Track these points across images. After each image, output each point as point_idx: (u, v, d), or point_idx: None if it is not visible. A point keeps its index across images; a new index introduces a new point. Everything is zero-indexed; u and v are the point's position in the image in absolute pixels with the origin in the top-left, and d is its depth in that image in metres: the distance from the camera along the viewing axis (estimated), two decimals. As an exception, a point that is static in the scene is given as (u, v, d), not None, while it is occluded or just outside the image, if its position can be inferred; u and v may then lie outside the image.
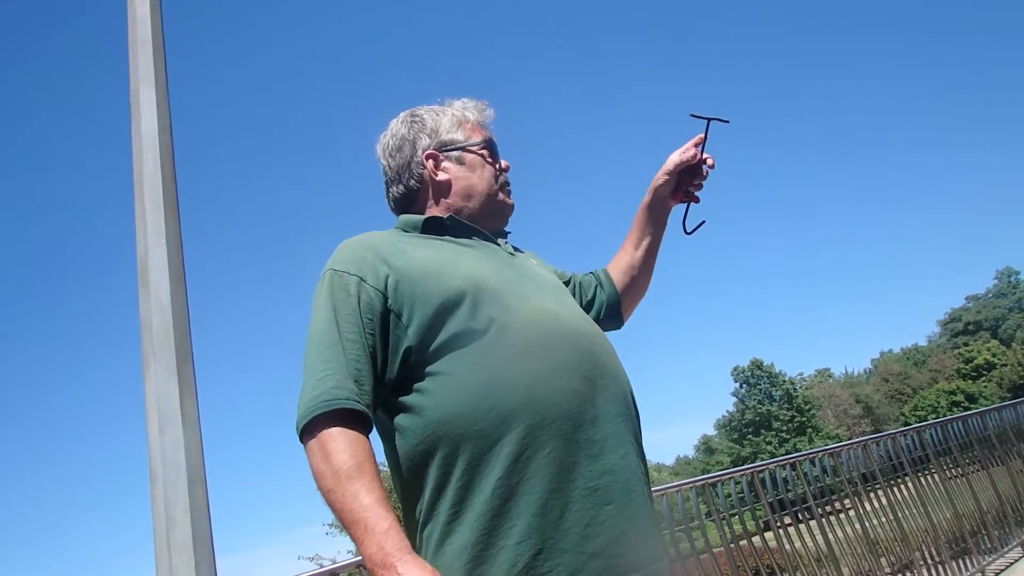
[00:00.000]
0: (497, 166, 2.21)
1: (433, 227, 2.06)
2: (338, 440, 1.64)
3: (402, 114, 2.26)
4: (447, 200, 2.14)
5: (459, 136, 2.19)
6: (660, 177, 2.34)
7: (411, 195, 2.19)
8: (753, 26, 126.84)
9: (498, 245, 2.11)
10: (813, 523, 6.85)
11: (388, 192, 2.24)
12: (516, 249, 2.21)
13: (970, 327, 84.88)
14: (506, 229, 2.23)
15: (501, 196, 2.19)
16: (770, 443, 59.95)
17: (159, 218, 2.43)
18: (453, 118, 2.22)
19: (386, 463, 1.86)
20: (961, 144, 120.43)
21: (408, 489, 1.76)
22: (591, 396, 1.75)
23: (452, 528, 1.65)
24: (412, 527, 1.74)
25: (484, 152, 2.19)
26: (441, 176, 2.15)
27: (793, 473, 7.15)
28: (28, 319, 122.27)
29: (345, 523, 1.58)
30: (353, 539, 1.56)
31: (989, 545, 8.24)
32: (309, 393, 1.70)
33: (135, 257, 2.41)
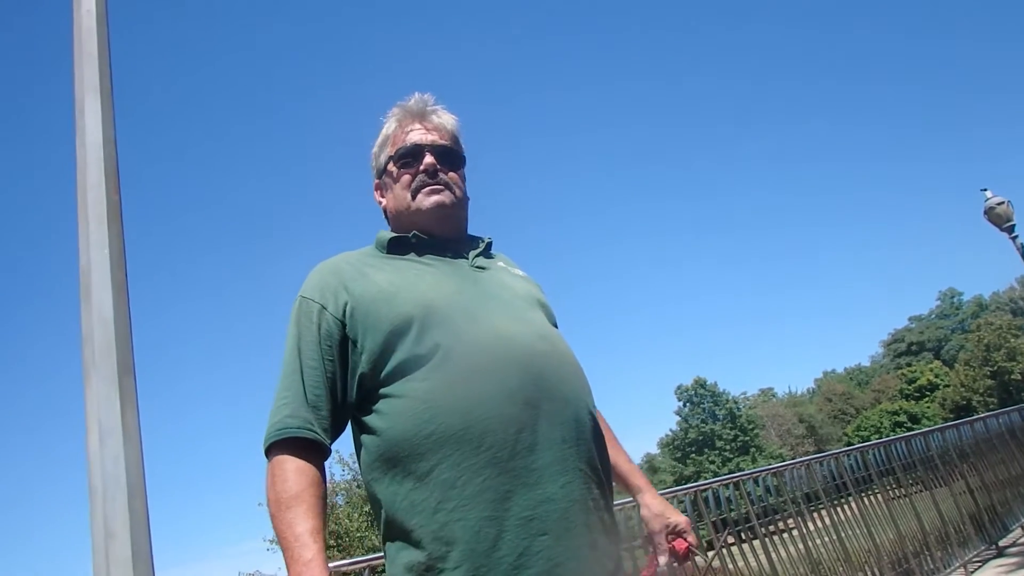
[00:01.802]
0: (413, 171, 2.12)
1: (398, 246, 2.07)
2: (285, 468, 1.74)
3: None
4: (392, 224, 2.19)
5: (383, 157, 2.20)
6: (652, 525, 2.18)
7: (386, 221, 2.25)
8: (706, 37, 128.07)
9: (466, 257, 2.09)
10: (756, 543, 6.88)
11: None
12: (490, 257, 2.18)
13: (913, 348, 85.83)
14: (487, 237, 2.21)
15: (414, 204, 2.10)
16: (713, 462, 60.12)
17: (103, 230, 2.42)
18: (381, 138, 2.23)
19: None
20: (906, 165, 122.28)
21: (373, 501, 1.81)
22: (531, 422, 1.73)
23: (404, 545, 1.70)
24: (380, 536, 1.80)
25: (392, 168, 2.16)
26: (383, 204, 2.22)
27: (736, 492, 7.18)
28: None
29: (281, 548, 1.67)
30: (285, 565, 1.65)
31: (931, 566, 8.33)
32: (270, 421, 1.82)
33: (78, 268, 2.39)
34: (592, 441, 1.86)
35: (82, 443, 2.23)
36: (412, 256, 2.05)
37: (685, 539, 2.13)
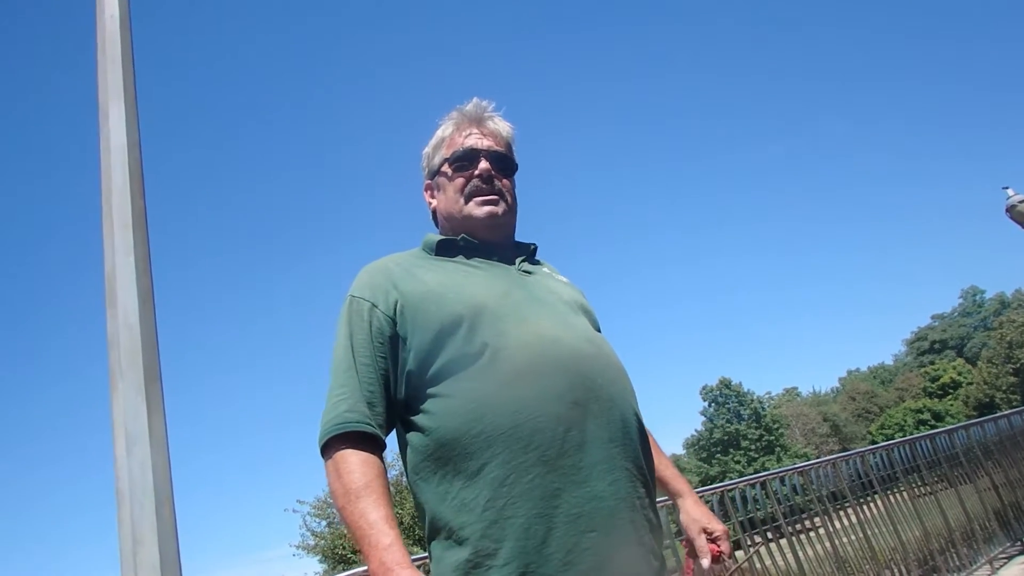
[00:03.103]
0: (467, 175, 2.15)
1: (446, 248, 2.10)
2: (349, 461, 1.77)
3: None
4: (441, 226, 2.22)
5: (437, 159, 2.22)
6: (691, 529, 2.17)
7: (435, 222, 2.28)
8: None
9: (513, 263, 2.12)
10: (783, 541, 6.86)
11: None
12: (536, 264, 2.22)
13: (936, 346, 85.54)
14: (532, 243, 2.24)
15: (467, 210, 2.12)
16: (738, 462, 59.99)
17: (127, 235, 2.41)
18: (436, 140, 2.25)
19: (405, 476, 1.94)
20: (928, 163, 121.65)
21: (418, 501, 1.84)
22: (580, 422, 1.75)
23: (451, 544, 1.71)
24: (423, 536, 1.83)
25: (447, 169, 2.18)
26: (433, 205, 2.26)
27: (763, 492, 7.15)
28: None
29: (355, 538, 1.69)
30: (362, 553, 1.67)
31: (957, 563, 8.27)
32: (326, 417, 1.84)
33: (103, 273, 2.39)
34: (637, 441, 1.88)
35: (109, 449, 2.23)
36: (460, 259, 2.08)
37: (718, 545, 2.11)
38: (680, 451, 74.06)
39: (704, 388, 66.07)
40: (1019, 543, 9.22)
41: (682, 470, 68.42)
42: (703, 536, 2.12)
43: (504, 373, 1.77)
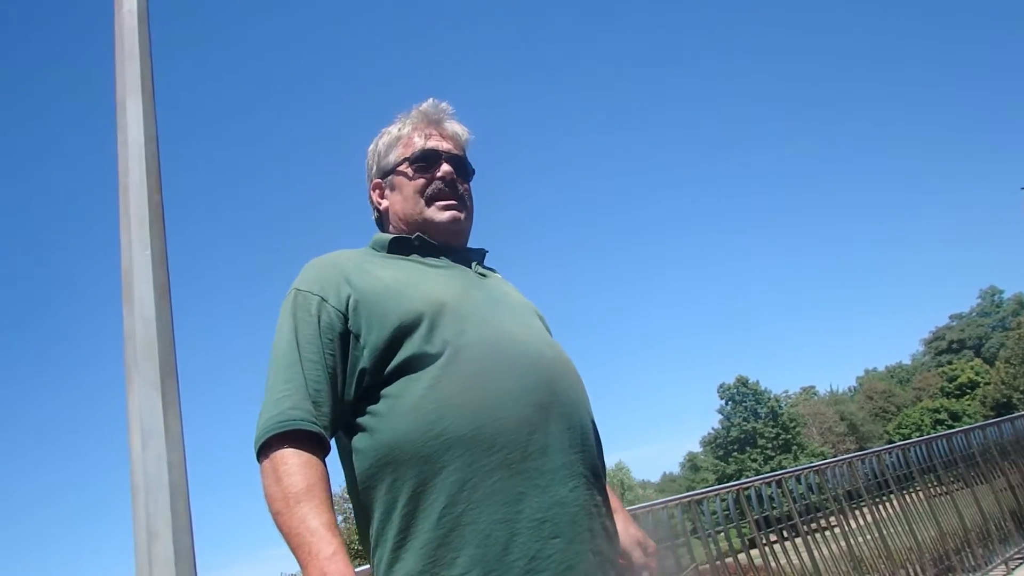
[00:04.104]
0: (428, 176, 2.09)
1: (400, 246, 2.03)
2: (290, 462, 1.63)
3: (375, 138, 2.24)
4: (394, 227, 2.12)
5: (392, 157, 2.15)
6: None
7: (380, 223, 2.20)
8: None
9: (469, 267, 2.06)
10: (799, 540, 6.84)
11: None
12: (490, 270, 2.15)
13: (954, 346, 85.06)
14: (484, 249, 2.18)
15: (427, 213, 2.06)
16: (755, 460, 60.02)
17: (144, 230, 2.42)
18: (391, 137, 2.17)
19: (345, 485, 1.83)
20: (947, 164, 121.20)
21: (361, 512, 1.74)
22: (543, 425, 1.69)
23: (399, 555, 1.61)
24: (367, 550, 1.73)
25: (407, 169, 2.10)
26: (383, 205, 2.16)
27: (779, 490, 7.14)
28: (9, 328, 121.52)
29: (292, 547, 1.56)
30: (299, 563, 1.55)
31: (973, 563, 8.25)
32: (266, 413, 1.70)
33: (119, 268, 2.39)
34: (594, 448, 1.83)
35: (124, 444, 2.24)
36: (415, 257, 2.01)
37: (650, 562, 2.05)
38: (697, 449, 74.08)
39: (722, 386, 66.22)
40: (1035, 544, 9.19)
41: (698, 468, 68.61)
42: (639, 550, 2.02)
43: (466, 373, 1.70)
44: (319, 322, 1.79)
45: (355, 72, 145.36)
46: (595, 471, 1.78)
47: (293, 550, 1.56)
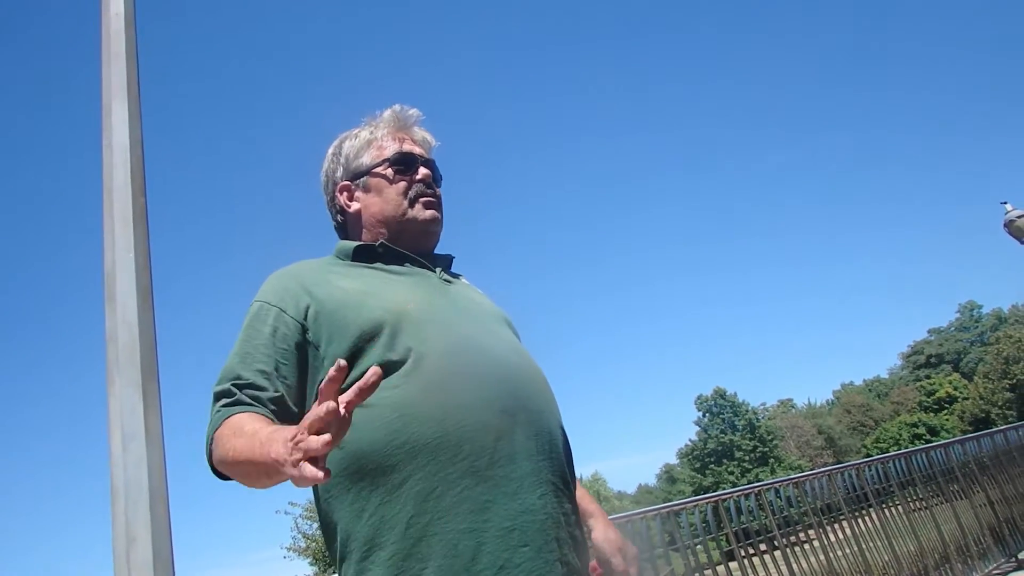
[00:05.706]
0: (408, 179, 2.11)
1: (364, 255, 2.03)
2: (224, 436, 1.65)
3: (333, 143, 2.24)
4: (366, 230, 2.12)
5: (366, 159, 2.15)
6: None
7: (342, 228, 2.20)
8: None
9: (433, 271, 2.06)
10: (777, 553, 6.86)
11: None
12: (455, 276, 2.15)
13: (932, 360, 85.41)
14: (450, 255, 2.19)
15: (411, 213, 2.08)
16: (732, 473, 60.13)
17: (128, 233, 2.41)
18: (361, 141, 2.18)
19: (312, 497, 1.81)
20: (925, 176, 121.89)
21: (327, 523, 1.73)
22: (509, 431, 1.68)
23: (365, 567, 1.60)
24: (334, 561, 1.71)
25: (386, 171, 2.12)
26: (354, 207, 2.15)
27: (757, 503, 7.16)
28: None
29: (244, 461, 1.56)
30: (256, 466, 1.53)
31: (951, 578, 8.27)
32: (210, 427, 1.72)
33: (102, 270, 2.39)
34: (563, 456, 1.81)
35: (105, 446, 2.23)
36: (379, 265, 2.01)
37: (630, 567, 2.02)
38: (674, 460, 74.20)
39: (699, 398, 66.36)
40: (1014, 559, 9.23)
41: (675, 480, 68.71)
42: (619, 556, 1.98)
43: (429, 380, 1.69)
44: (274, 333, 1.81)
45: (340, 77, 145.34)
46: (564, 478, 1.77)
47: (248, 464, 1.56)
